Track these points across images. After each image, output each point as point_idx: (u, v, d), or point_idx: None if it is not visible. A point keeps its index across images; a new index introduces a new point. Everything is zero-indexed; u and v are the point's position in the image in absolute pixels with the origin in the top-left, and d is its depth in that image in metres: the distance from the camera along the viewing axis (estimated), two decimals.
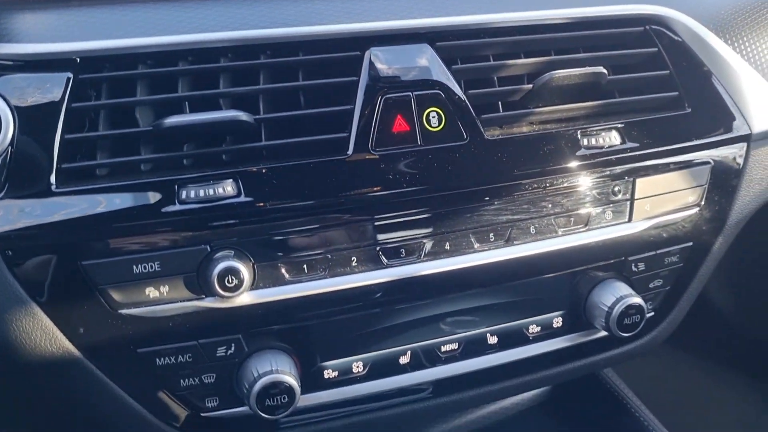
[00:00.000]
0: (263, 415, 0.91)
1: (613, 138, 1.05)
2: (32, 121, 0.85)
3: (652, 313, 1.17)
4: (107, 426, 0.98)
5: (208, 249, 0.89)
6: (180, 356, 0.91)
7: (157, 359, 0.91)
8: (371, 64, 0.94)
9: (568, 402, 1.40)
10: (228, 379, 0.94)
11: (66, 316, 0.87)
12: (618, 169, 1.05)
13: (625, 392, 1.30)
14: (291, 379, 0.92)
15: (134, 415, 0.94)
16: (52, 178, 0.84)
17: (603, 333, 1.12)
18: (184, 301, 0.89)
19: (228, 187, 0.88)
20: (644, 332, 1.19)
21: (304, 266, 0.93)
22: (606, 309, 1.07)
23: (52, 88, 0.86)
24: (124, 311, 0.88)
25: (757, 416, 2.59)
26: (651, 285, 1.15)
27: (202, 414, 0.96)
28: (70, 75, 0.87)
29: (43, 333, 0.87)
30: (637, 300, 1.07)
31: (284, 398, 0.91)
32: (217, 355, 0.93)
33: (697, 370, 2.64)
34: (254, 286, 0.91)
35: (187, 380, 0.93)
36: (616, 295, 1.07)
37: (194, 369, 0.93)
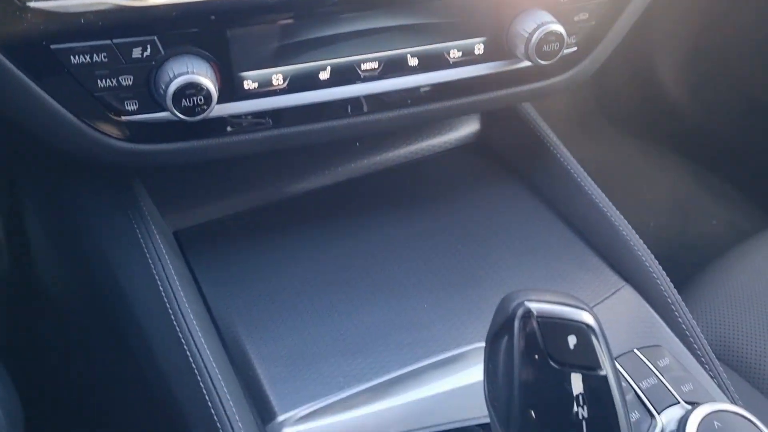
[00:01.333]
0: (180, 115, 0.94)
1: None
2: None
3: (575, 48, 1.19)
4: (30, 127, 1.00)
5: None
6: (95, 55, 0.91)
7: (72, 57, 0.91)
8: None
9: (495, 144, 1.46)
10: (146, 82, 0.95)
11: None
12: None
13: (546, 131, 1.36)
14: (207, 82, 0.93)
15: (55, 115, 0.96)
16: None
17: (525, 63, 1.14)
18: None
19: None
20: (566, 68, 1.21)
21: None
22: (526, 35, 1.08)
23: None
24: (32, 4, 0.87)
25: (686, 196, 2.74)
26: (576, 18, 1.15)
27: (123, 117, 0.98)
28: None
29: None
30: (558, 28, 1.08)
31: (200, 100, 0.93)
32: (133, 56, 0.93)
33: (633, 149, 2.74)
34: None
35: (104, 81, 0.94)
36: (538, 22, 1.08)
37: (111, 70, 0.93)
